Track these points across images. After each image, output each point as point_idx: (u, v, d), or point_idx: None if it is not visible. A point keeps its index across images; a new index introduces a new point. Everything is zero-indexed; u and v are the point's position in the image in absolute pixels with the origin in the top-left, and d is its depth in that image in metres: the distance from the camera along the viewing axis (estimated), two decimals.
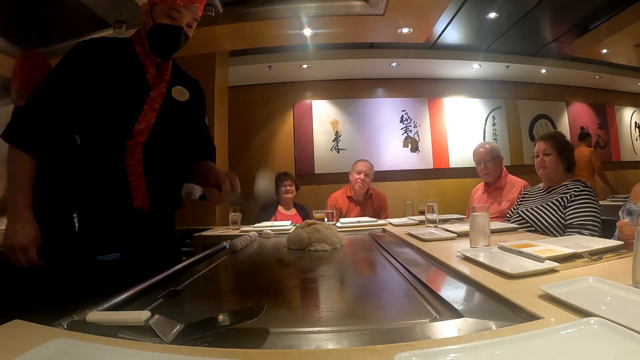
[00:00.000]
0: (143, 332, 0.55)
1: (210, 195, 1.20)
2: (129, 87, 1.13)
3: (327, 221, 2.22)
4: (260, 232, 1.86)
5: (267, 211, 3.11)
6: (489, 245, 1.15)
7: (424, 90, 4.83)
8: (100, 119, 1.09)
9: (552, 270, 0.83)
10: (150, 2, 1.14)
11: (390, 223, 2.22)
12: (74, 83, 1.06)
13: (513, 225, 1.79)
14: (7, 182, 1.01)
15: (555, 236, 1.69)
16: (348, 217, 2.89)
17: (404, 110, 4.75)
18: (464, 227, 1.52)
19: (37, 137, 1.03)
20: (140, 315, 0.56)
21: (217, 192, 1.18)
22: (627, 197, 1.75)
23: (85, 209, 1.12)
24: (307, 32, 3.26)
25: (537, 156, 1.98)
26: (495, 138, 4.88)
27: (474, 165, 2.63)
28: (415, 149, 4.72)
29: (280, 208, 3.16)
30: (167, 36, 1.14)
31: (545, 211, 1.82)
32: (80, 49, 1.10)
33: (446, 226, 1.71)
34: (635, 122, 5.62)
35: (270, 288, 0.95)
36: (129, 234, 1.12)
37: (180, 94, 1.23)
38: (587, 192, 1.77)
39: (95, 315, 0.60)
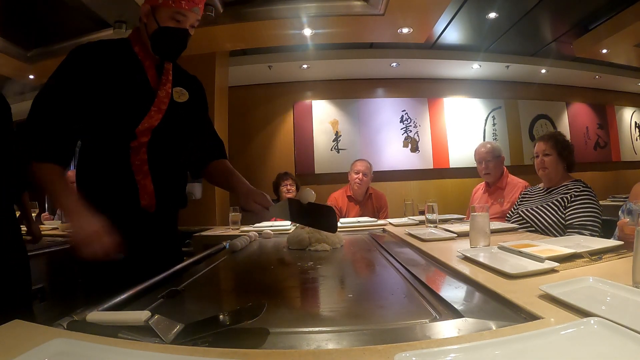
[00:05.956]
0: (143, 332, 0.55)
1: (259, 212, 1.25)
2: (131, 89, 1.12)
3: None
4: (260, 232, 1.86)
5: None
6: (489, 245, 1.15)
7: (424, 90, 4.83)
8: (104, 122, 1.08)
9: (552, 270, 0.83)
10: (150, 3, 1.11)
11: (390, 223, 2.22)
12: (74, 88, 1.04)
13: (513, 225, 1.79)
14: (48, 196, 1.00)
15: (556, 236, 1.69)
16: (348, 217, 2.89)
17: (404, 110, 4.75)
18: (464, 227, 1.52)
19: (50, 145, 1.02)
20: (140, 315, 0.56)
21: (266, 210, 1.24)
22: (627, 197, 1.75)
23: (99, 208, 1.11)
24: (307, 32, 3.26)
25: (537, 156, 1.98)
26: (495, 138, 4.88)
27: (474, 165, 2.63)
28: (415, 149, 4.72)
29: None
30: (174, 40, 1.14)
31: (546, 211, 1.82)
32: (76, 54, 1.08)
33: (446, 226, 1.71)
34: (635, 122, 5.62)
35: (270, 288, 0.95)
36: (134, 234, 1.11)
37: (180, 95, 1.21)
38: (588, 193, 1.77)
39: (95, 315, 0.60)
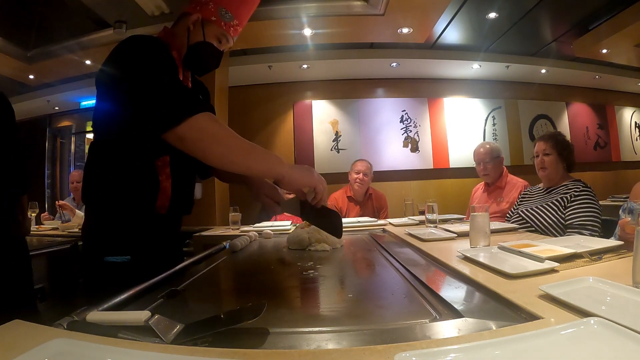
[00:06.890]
0: (143, 332, 0.55)
1: (268, 205, 1.26)
2: None
3: None
4: (260, 232, 1.86)
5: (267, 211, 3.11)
6: (489, 245, 1.15)
7: (424, 90, 4.83)
8: (140, 118, 1.02)
9: (552, 270, 0.83)
10: (203, 15, 1.12)
11: (390, 223, 2.22)
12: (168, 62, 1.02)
13: (513, 225, 1.79)
14: (247, 156, 0.97)
15: (555, 236, 1.69)
16: (348, 217, 2.89)
17: (404, 110, 4.75)
18: (464, 227, 1.52)
19: (197, 97, 1.03)
20: (140, 315, 0.56)
21: (277, 205, 1.25)
22: (627, 197, 1.75)
23: (111, 207, 1.09)
24: (307, 32, 3.27)
25: (537, 156, 1.98)
26: (495, 138, 4.88)
27: (474, 165, 2.63)
28: (415, 149, 4.72)
29: None
30: (212, 57, 1.17)
31: (545, 211, 1.82)
32: (151, 41, 1.02)
33: (446, 226, 1.71)
34: (635, 122, 5.62)
35: (270, 288, 0.95)
36: (142, 234, 1.10)
37: None
38: (587, 192, 1.77)
39: (95, 315, 0.60)
